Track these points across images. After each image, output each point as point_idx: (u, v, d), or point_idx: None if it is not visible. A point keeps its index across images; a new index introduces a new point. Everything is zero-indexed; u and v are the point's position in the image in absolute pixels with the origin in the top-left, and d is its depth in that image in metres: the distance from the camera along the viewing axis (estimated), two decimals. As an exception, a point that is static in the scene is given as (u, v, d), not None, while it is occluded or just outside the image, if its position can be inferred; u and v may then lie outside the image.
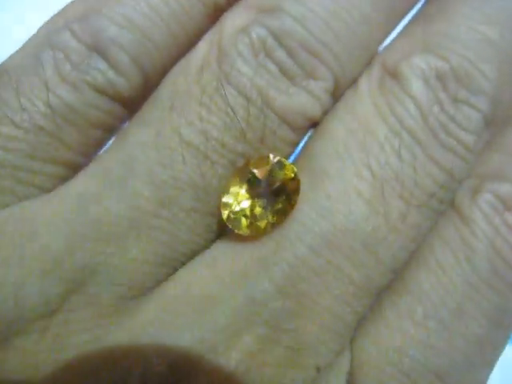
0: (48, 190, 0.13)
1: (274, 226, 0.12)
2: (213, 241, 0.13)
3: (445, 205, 0.14)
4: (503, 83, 0.14)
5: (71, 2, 0.14)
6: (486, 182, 0.14)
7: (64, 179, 0.13)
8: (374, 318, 0.13)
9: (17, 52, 0.13)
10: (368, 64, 0.14)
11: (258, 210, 0.12)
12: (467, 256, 0.13)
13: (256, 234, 0.12)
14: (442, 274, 0.13)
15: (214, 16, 0.14)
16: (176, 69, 0.13)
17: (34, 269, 0.12)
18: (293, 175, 0.12)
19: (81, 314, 0.12)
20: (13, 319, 0.12)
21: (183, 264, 0.13)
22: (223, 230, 0.13)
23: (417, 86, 0.13)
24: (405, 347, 0.13)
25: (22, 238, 0.12)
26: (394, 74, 0.13)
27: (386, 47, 0.14)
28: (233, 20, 0.13)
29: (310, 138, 0.14)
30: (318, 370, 0.12)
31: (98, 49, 0.13)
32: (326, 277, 0.12)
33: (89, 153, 0.13)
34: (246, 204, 0.12)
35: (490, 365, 0.14)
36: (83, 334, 0.12)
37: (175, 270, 0.13)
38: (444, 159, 0.13)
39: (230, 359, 0.12)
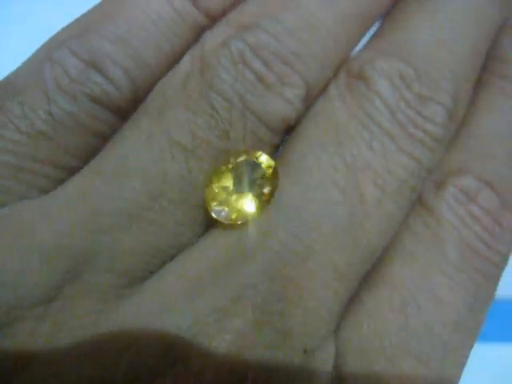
0: (47, 192, 0.14)
1: (256, 214, 0.13)
2: (200, 234, 0.14)
3: (415, 194, 0.15)
4: (459, 82, 0.15)
5: (71, 22, 0.15)
6: (450, 177, 0.15)
7: (62, 182, 0.14)
8: (353, 305, 0.14)
9: (21, 66, 0.15)
10: (336, 72, 0.16)
11: (240, 200, 0.14)
12: (437, 245, 0.14)
13: (240, 223, 0.13)
14: (415, 263, 0.14)
15: (197, 33, 0.15)
16: (164, 80, 0.15)
17: (32, 258, 0.13)
18: (271, 168, 0.14)
19: (77, 302, 0.13)
20: (11, 306, 0.12)
21: (173, 256, 0.14)
22: (210, 222, 0.14)
23: (382, 85, 0.14)
24: (385, 333, 0.14)
25: (21, 230, 0.13)
26: (360, 77, 0.15)
27: (351, 57, 0.16)
28: (214, 36, 0.15)
29: (286, 139, 0.15)
30: (305, 352, 0.13)
31: (94, 64, 0.14)
32: (309, 261, 0.13)
33: (84, 157, 0.15)
34: (230, 195, 0.14)
35: (467, 348, 0.15)
36: (79, 320, 0.13)
37: (165, 261, 0.14)
38: (413, 149, 0.14)
39: (222, 341, 0.12)
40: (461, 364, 0.14)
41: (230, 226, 0.14)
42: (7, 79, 0.15)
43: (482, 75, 0.17)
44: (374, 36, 0.16)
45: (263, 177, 0.14)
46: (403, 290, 0.14)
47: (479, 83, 0.17)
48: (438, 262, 0.14)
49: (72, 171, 0.14)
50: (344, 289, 0.14)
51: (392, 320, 0.14)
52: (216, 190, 0.14)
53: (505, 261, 0.15)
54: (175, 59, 0.15)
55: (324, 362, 0.13)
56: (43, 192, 0.14)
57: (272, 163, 0.14)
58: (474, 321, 0.15)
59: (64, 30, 0.15)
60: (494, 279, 0.15)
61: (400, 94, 0.14)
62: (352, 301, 0.14)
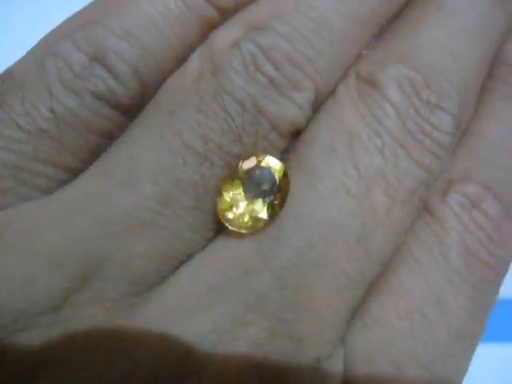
0: (49, 192, 0.13)
1: (269, 221, 0.13)
2: (210, 239, 0.14)
3: (423, 202, 0.15)
4: (467, 90, 0.15)
5: (73, 14, 0.14)
6: (455, 184, 0.15)
7: (64, 183, 0.14)
8: (361, 312, 0.14)
9: (21, 59, 0.14)
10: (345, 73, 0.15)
11: (252, 207, 0.13)
12: (441, 252, 0.15)
13: (253, 230, 0.13)
14: (420, 270, 0.14)
15: (206, 28, 0.15)
16: (173, 78, 0.14)
17: (40, 265, 0.12)
18: (282, 172, 0.13)
19: (86, 310, 0.12)
20: (19, 314, 0.12)
21: (183, 262, 0.13)
22: (221, 228, 0.14)
23: (393, 92, 0.14)
24: (391, 340, 0.14)
25: (26, 235, 0.12)
26: (371, 82, 0.15)
27: (360, 59, 0.16)
28: (224, 35, 0.14)
29: (295, 144, 0.15)
30: (319, 361, 0.13)
31: (98, 58, 0.14)
32: (321, 269, 0.13)
33: (88, 158, 0.14)
34: (242, 202, 0.13)
35: (469, 354, 0.15)
36: (90, 329, 0.12)
37: (177, 267, 0.13)
38: (422, 157, 0.14)
39: (238, 350, 0.12)
40: (463, 370, 0.15)
41: (242, 234, 0.13)
42: (7, 72, 0.14)
43: (486, 81, 0.17)
44: (384, 38, 0.16)
45: (274, 182, 0.13)
46: (409, 298, 0.14)
47: (483, 89, 0.17)
48: (443, 270, 0.14)
49: (74, 172, 0.14)
50: (355, 296, 0.14)
51: (398, 327, 0.14)
52: (227, 198, 0.13)
53: (506, 267, 0.16)
54: (184, 54, 0.15)
55: (334, 367, 0.13)
56: (44, 193, 0.13)
57: (282, 168, 0.13)
58: (476, 327, 0.15)
59: (67, 21, 0.14)
60: (495, 286, 0.15)
61: (410, 101, 0.14)
62: (359, 307, 0.14)
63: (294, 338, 0.13)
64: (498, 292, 0.15)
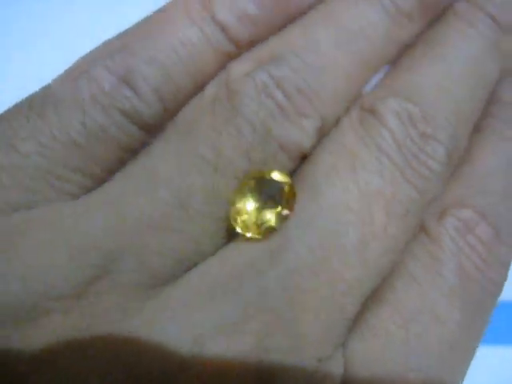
0: (75, 197, 0.15)
1: (276, 229, 0.14)
2: (222, 245, 0.15)
3: (417, 221, 0.16)
4: (460, 124, 0.17)
5: (109, 39, 0.16)
6: (451, 209, 0.16)
7: (89, 189, 0.15)
8: (359, 321, 0.15)
9: (59, 76, 0.16)
10: (348, 108, 0.17)
11: (261, 216, 0.14)
12: (437, 269, 0.16)
13: (262, 236, 0.14)
14: (416, 285, 0.15)
15: (223, 60, 0.17)
16: (193, 102, 0.16)
17: (61, 254, 0.13)
18: (288, 184, 0.15)
19: (104, 298, 0.13)
20: (39, 299, 0.13)
21: (197, 263, 0.14)
22: (232, 236, 0.15)
23: (392, 121, 0.16)
24: (386, 350, 0.15)
25: (51, 230, 0.14)
26: (372, 112, 0.16)
27: (364, 95, 0.17)
28: (240, 65, 0.16)
29: (301, 166, 0.16)
30: (320, 360, 0.14)
31: (126, 80, 0.15)
32: (321, 275, 0.14)
33: (112, 168, 0.15)
34: (252, 211, 0.14)
35: (462, 366, 0.16)
36: (106, 317, 0.13)
37: (190, 267, 0.14)
38: (417, 181, 0.16)
39: (243, 344, 0.13)
40: (456, 381, 0.15)
41: (251, 239, 0.14)
42: (47, 89, 0.15)
43: (481, 118, 0.18)
44: (386, 77, 0.18)
45: (282, 193, 0.15)
46: (405, 310, 0.15)
47: (479, 124, 0.18)
48: (438, 286, 0.15)
49: (99, 180, 0.15)
50: (353, 304, 0.15)
51: (394, 336, 0.15)
52: (239, 206, 0.14)
53: (499, 288, 0.16)
54: (202, 81, 0.16)
55: (334, 368, 0.14)
56: (70, 197, 0.15)
57: (288, 181, 0.15)
58: (469, 342, 0.16)
59: (102, 46, 0.16)
60: (488, 304, 0.16)
61: (406, 130, 0.16)
62: (358, 317, 0.15)
63: (295, 337, 0.13)
64: (491, 310, 0.16)
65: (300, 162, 0.16)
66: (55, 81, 0.16)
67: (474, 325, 0.16)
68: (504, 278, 0.17)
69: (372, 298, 0.15)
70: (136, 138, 0.16)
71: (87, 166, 0.15)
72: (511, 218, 0.17)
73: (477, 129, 0.18)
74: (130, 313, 0.13)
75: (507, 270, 0.17)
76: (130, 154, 0.16)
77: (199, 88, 0.16)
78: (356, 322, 0.15)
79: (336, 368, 0.14)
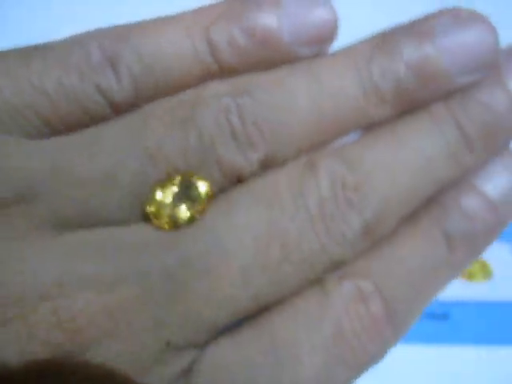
0: (31, 139, 0.17)
1: (183, 226, 0.16)
2: (133, 221, 0.16)
3: (313, 274, 0.17)
4: (389, 209, 0.18)
5: (115, 25, 0.19)
6: (354, 275, 0.17)
7: (43, 136, 0.17)
8: (224, 333, 0.16)
9: (63, 40, 0.18)
10: (300, 155, 0.18)
11: (174, 210, 0.16)
12: (318, 318, 0.17)
13: (167, 227, 0.16)
14: (292, 323, 0.16)
15: (203, 76, 0.18)
16: (161, 99, 0.18)
17: None
18: (209, 194, 0.16)
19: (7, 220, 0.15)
20: None
21: (106, 224, 0.16)
22: (144, 217, 0.16)
23: (325, 179, 0.17)
24: (238, 366, 0.16)
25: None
26: (312, 165, 0.17)
27: (319, 150, 0.19)
28: (214, 86, 0.18)
29: (234, 186, 0.18)
30: (169, 345, 0.15)
31: (112, 62, 0.18)
32: (203, 279, 0.15)
33: (71, 128, 0.17)
34: (168, 203, 0.16)
35: None
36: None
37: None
38: (325, 240, 0.17)
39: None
40: None
41: (157, 227, 0.16)
42: (45, 44, 0.18)
43: (417, 211, 0.19)
44: (344, 143, 0.19)
45: (199, 198, 0.16)
46: (271, 338, 0.16)
47: (413, 216, 0.19)
48: (311, 332, 0.16)
49: (57, 134, 0.17)
50: (220, 316, 0.16)
51: (249, 358, 0.16)
52: (158, 196, 0.16)
53: (371, 362, 0.17)
54: (180, 88, 0.18)
55: (178, 360, 0.15)
56: (27, 137, 0.17)
57: (210, 190, 0.16)
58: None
59: (108, 28, 0.18)
60: (355, 371, 0.17)
61: (335, 192, 0.17)
62: (227, 332, 0.16)
63: (157, 317, 0.15)
64: (356, 377, 0.17)
65: (236, 183, 0.18)
66: (56, 40, 0.18)
67: (332, 381, 0.16)
68: (379, 356, 0.17)
69: (250, 321, 0.16)
70: (102, 110, 0.18)
71: (51, 116, 0.17)
72: (407, 308, 0.18)
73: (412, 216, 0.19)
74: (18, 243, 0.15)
75: (385, 349, 0.18)
76: (93, 121, 0.18)
77: (173, 92, 0.18)
78: (221, 333, 0.16)
79: (181, 360, 0.15)
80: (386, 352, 0.18)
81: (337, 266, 0.17)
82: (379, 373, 0.18)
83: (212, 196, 0.16)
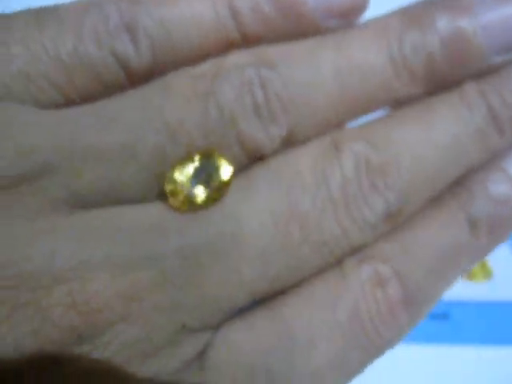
0: (44, 109, 0.16)
1: (200, 207, 0.15)
2: (149, 200, 0.16)
3: (332, 258, 0.17)
4: (413, 192, 0.17)
5: None
6: (373, 259, 0.17)
7: (56, 106, 0.16)
8: (240, 314, 0.16)
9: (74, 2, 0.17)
10: (323, 133, 0.18)
11: (193, 190, 0.15)
12: (334, 301, 0.16)
13: (184, 207, 0.15)
14: (308, 306, 0.16)
15: (223, 46, 0.18)
16: (181, 70, 0.17)
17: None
18: (229, 174, 0.16)
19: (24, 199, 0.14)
20: None
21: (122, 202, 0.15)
22: (161, 194, 0.16)
23: (349, 161, 0.17)
24: (253, 348, 0.16)
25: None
26: (336, 147, 0.17)
27: (343, 129, 0.18)
28: (237, 56, 0.17)
29: (255, 163, 0.17)
30: (184, 327, 0.15)
31: (129, 27, 0.16)
32: (222, 260, 0.15)
33: (86, 98, 0.16)
34: (186, 182, 0.15)
35: None
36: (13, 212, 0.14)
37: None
38: (346, 223, 0.16)
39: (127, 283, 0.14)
40: None
41: (173, 206, 0.15)
42: (58, 6, 0.17)
43: (442, 194, 0.18)
44: (367, 122, 0.18)
45: (219, 179, 0.16)
46: (284, 323, 0.16)
47: (436, 199, 0.18)
48: (327, 314, 0.16)
49: (71, 104, 0.16)
50: (239, 297, 0.15)
51: (264, 341, 0.16)
52: (176, 174, 0.15)
53: (384, 346, 0.17)
54: (200, 57, 0.17)
55: (193, 341, 0.15)
56: (39, 106, 0.16)
57: (231, 170, 0.16)
58: (333, 379, 0.16)
59: None
60: (369, 356, 0.17)
61: (358, 174, 0.17)
62: (241, 314, 0.16)
63: (175, 300, 0.15)
64: (369, 363, 0.17)
65: (257, 160, 0.17)
66: (69, 3, 0.17)
67: (346, 365, 0.16)
68: (394, 341, 0.17)
69: (264, 303, 0.16)
70: (118, 79, 0.17)
71: (65, 85, 0.16)
72: (425, 294, 0.17)
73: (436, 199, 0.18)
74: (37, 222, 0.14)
75: (400, 335, 0.17)
76: (108, 91, 0.17)
77: (192, 61, 0.17)
78: (239, 314, 0.16)
79: (194, 342, 0.15)
80: (401, 337, 0.17)
81: (356, 249, 0.17)
82: (379, 373, 0.18)
83: (231, 176, 0.16)
